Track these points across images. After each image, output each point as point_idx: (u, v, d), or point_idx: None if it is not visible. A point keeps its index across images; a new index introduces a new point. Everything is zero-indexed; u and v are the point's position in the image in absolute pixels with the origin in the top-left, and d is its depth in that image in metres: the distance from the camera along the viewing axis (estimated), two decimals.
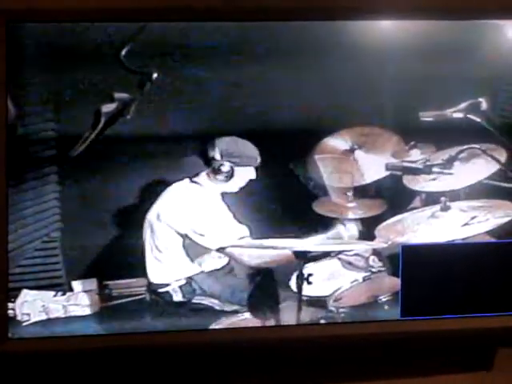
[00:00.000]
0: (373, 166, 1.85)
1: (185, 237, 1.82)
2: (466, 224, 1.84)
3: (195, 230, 1.81)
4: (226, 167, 1.81)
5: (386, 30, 1.78)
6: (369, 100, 1.80)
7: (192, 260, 1.82)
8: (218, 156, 1.80)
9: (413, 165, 1.85)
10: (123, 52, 1.70)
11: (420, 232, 1.85)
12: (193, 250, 1.82)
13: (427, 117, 1.81)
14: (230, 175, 1.82)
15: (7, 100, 1.67)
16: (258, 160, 1.80)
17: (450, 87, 1.82)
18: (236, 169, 1.81)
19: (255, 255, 1.83)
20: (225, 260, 1.84)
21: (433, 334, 1.85)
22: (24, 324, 1.77)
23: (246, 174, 1.82)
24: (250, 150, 1.80)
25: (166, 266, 1.82)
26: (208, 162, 1.80)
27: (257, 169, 1.81)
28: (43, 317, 1.78)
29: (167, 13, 1.69)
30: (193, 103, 1.75)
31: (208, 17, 1.70)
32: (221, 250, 1.82)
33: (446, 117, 1.82)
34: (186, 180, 1.81)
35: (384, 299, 1.86)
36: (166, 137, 1.77)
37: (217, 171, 1.81)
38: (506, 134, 1.85)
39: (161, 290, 1.82)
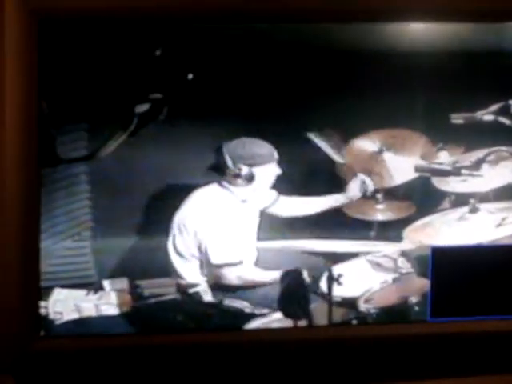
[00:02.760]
0: (402, 168, 1.75)
1: (202, 243, 1.72)
2: (499, 225, 1.73)
3: (216, 238, 1.72)
4: (243, 171, 1.70)
5: (416, 31, 1.67)
6: (398, 102, 1.69)
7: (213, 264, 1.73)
8: (229, 162, 1.69)
9: (441, 166, 1.74)
10: (157, 52, 1.60)
11: (448, 234, 1.75)
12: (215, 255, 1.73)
13: (457, 119, 1.70)
14: (249, 177, 1.70)
15: (39, 100, 1.57)
16: (275, 155, 1.69)
17: (481, 89, 1.71)
18: (255, 169, 1.70)
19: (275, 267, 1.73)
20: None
21: (462, 335, 1.75)
22: (56, 322, 1.68)
23: (269, 172, 1.70)
24: (261, 147, 1.69)
25: (194, 266, 1.73)
26: (221, 170, 1.70)
27: (279, 163, 1.69)
28: (75, 315, 1.69)
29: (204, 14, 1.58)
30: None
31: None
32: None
33: (476, 119, 1.71)
34: (215, 185, 1.71)
35: (414, 300, 1.75)
36: (193, 140, 1.66)
37: (236, 176, 1.70)
38: None
39: (190, 291, 1.72)
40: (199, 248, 1.71)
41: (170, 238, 1.70)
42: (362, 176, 1.74)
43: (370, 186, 1.74)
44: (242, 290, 1.73)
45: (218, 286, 1.72)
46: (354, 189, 1.74)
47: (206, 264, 1.72)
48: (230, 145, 1.68)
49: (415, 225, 1.74)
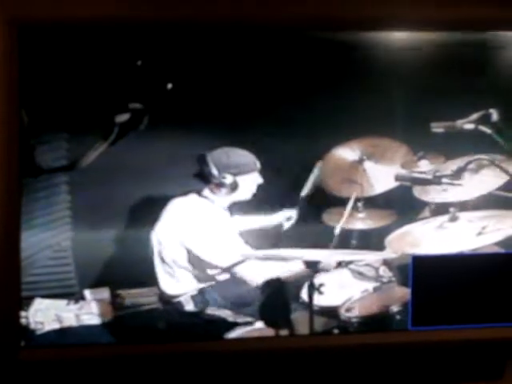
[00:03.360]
0: (382, 177, 1.74)
1: (190, 252, 1.69)
2: (480, 233, 1.71)
3: (201, 245, 1.69)
4: (228, 179, 1.68)
5: (397, 41, 1.65)
6: (378, 111, 1.67)
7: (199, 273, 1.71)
8: (215, 171, 1.67)
9: (422, 175, 1.73)
10: (138, 62, 1.58)
11: (429, 242, 1.73)
12: (198, 264, 1.70)
13: (438, 128, 1.69)
14: (234, 186, 1.69)
15: (20, 110, 1.55)
16: (258, 164, 1.67)
17: (462, 98, 1.69)
18: (238, 178, 1.68)
19: (257, 275, 1.71)
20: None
21: (442, 344, 1.72)
22: (37, 333, 1.66)
23: (251, 180, 1.68)
24: (245, 157, 1.67)
25: (176, 276, 1.71)
26: (206, 178, 1.68)
27: (261, 172, 1.68)
28: (56, 325, 1.67)
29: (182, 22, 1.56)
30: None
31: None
32: (227, 268, 1.70)
33: (456, 128, 1.69)
34: (195, 195, 1.69)
35: (395, 309, 1.73)
36: (174, 149, 1.64)
37: (220, 185, 1.68)
38: None
39: (172, 300, 1.70)
40: (178, 258, 1.69)
41: (154, 248, 1.68)
42: (288, 212, 1.73)
43: (293, 222, 1.73)
44: (224, 299, 1.71)
45: (200, 295, 1.71)
46: (276, 219, 1.73)
47: (187, 273, 1.70)
48: (215, 154, 1.66)
49: (396, 233, 1.72)
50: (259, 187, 1.68)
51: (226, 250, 1.70)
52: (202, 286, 1.71)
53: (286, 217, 1.72)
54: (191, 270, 1.70)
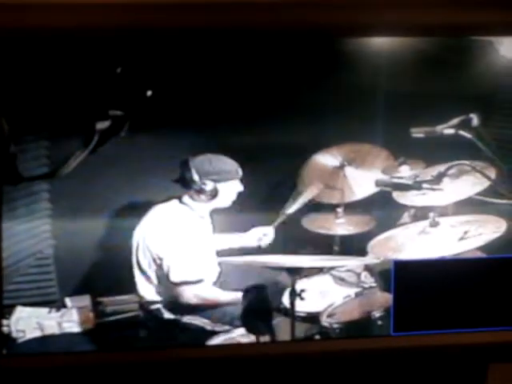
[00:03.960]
0: (363, 183, 1.72)
1: (162, 260, 1.67)
2: (461, 238, 1.70)
3: (176, 255, 1.67)
4: (208, 186, 1.66)
5: (377, 46, 1.63)
6: (359, 116, 1.66)
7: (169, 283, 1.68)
8: (196, 177, 1.65)
9: (402, 181, 1.71)
10: (118, 69, 1.57)
11: (411, 248, 1.71)
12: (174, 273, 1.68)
13: (418, 133, 1.67)
14: (214, 193, 1.67)
15: (0, 119, 1.53)
16: (240, 172, 1.65)
17: (442, 103, 1.68)
18: (219, 185, 1.67)
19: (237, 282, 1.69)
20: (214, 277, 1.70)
21: (425, 349, 1.70)
22: (19, 341, 1.63)
23: (232, 188, 1.66)
24: (227, 164, 1.65)
25: (153, 283, 1.68)
26: (188, 184, 1.66)
27: (241, 180, 1.66)
28: (38, 333, 1.64)
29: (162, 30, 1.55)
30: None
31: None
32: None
33: (436, 133, 1.68)
34: (175, 201, 1.67)
35: (377, 315, 1.71)
36: (155, 156, 1.62)
37: (200, 191, 1.66)
38: (496, 151, 1.71)
39: (152, 307, 1.68)
40: (159, 265, 1.67)
41: (133, 255, 1.66)
42: (264, 229, 1.71)
43: (269, 240, 1.71)
44: (202, 308, 1.69)
45: (176, 304, 1.68)
46: (251, 238, 1.71)
47: (164, 281, 1.68)
48: (197, 160, 1.64)
49: (377, 239, 1.71)
50: (239, 195, 1.67)
51: (200, 260, 1.68)
52: (177, 293, 1.68)
53: (263, 233, 1.70)
54: (164, 280, 1.68)
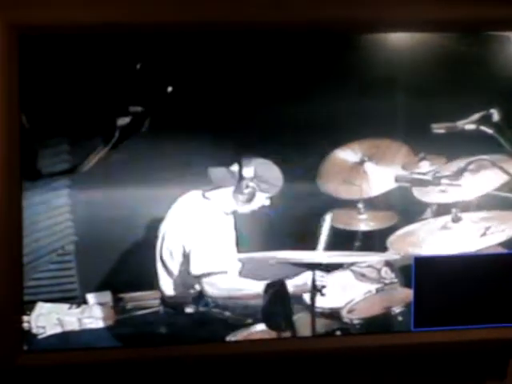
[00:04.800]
0: (382, 178, 1.68)
1: (187, 254, 1.65)
2: (483, 234, 1.67)
3: (198, 248, 1.64)
4: (251, 189, 1.63)
5: (399, 41, 1.61)
6: (380, 112, 1.63)
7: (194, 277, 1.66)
8: (250, 176, 1.63)
9: (421, 176, 1.68)
10: (138, 65, 1.54)
11: (432, 243, 1.68)
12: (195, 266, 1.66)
13: (439, 129, 1.64)
14: (251, 198, 1.64)
15: (21, 114, 1.51)
16: (279, 189, 1.63)
17: (463, 99, 1.65)
18: (258, 193, 1.64)
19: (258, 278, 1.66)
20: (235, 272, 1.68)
21: (445, 345, 1.68)
22: (39, 337, 1.61)
23: (261, 200, 1.64)
24: (276, 177, 1.63)
25: (177, 278, 1.66)
26: (241, 178, 1.63)
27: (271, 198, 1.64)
28: (58, 330, 1.62)
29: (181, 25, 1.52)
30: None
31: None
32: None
33: (457, 128, 1.65)
34: (199, 195, 1.64)
35: (397, 310, 1.68)
36: (181, 151, 1.59)
37: (239, 191, 1.64)
38: None
39: (173, 303, 1.65)
40: (183, 258, 1.65)
41: (157, 250, 1.63)
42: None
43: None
44: (225, 302, 1.66)
45: (198, 299, 1.65)
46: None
47: (186, 275, 1.65)
48: (259, 161, 1.62)
49: (398, 235, 1.67)
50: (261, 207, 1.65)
51: (223, 254, 1.65)
52: (200, 288, 1.66)
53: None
54: (190, 273, 1.66)
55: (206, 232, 1.65)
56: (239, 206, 1.65)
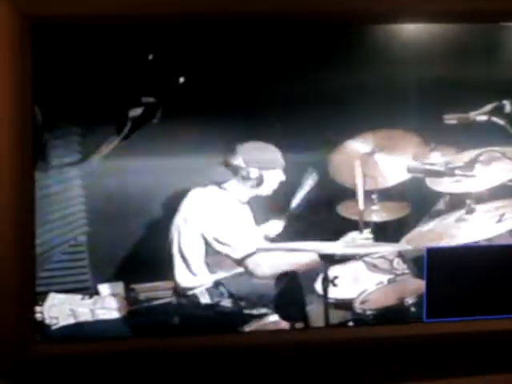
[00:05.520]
0: (395, 169, 1.66)
1: (208, 243, 1.63)
2: (498, 221, 1.64)
3: (218, 237, 1.62)
4: (254, 173, 1.61)
5: (410, 32, 1.58)
6: (391, 102, 1.60)
7: (209, 267, 1.64)
8: (242, 163, 1.60)
9: (434, 167, 1.65)
10: (150, 56, 1.51)
11: (447, 235, 1.66)
12: (213, 257, 1.63)
13: (451, 119, 1.61)
14: (260, 181, 1.62)
15: (34, 105, 1.48)
16: (282, 162, 1.60)
17: (475, 90, 1.62)
18: (264, 173, 1.61)
19: (271, 268, 1.63)
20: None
21: (458, 335, 1.65)
22: (53, 327, 1.59)
23: (275, 176, 1.61)
24: (272, 153, 1.60)
25: (193, 269, 1.63)
26: (234, 170, 1.61)
27: (284, 170, 1.61)
28: (71, 320, 1.60)
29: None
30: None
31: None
32: (241, 260, 1.63)
33: (469, 119, 1.62)
34: (215, 186, 1.62)
35: (410, 301, 1.66)
36: (193, 142, 1.57)
37: (246, 178, 1.61)
38: None
39: (187, 293, 1.63)
40: (196, 250, 1.63)
41: (168, 241, 1.61)
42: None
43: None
44: (239, 291, 1.64)
45: (215, 288, 1.63)
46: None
47: (215, 262, 1.64)
48: (244, 146, 1.59)
49: (416, 232, 1.65)
50: (281, 184, 1.62)
51: (241, 242, 1.63)
52: (217, 278, 1.63)
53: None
54: (207, 262, 1.64)
55: (226, 221, 1.63)
56: (254, 191, 1.63)
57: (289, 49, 1.56)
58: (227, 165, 1.60)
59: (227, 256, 1.63)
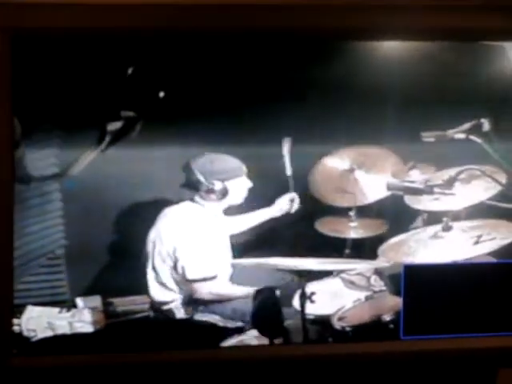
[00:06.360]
0: (374, 186, 1.63)
1: (178, 260, 1.59)
2: (475, 243, 1.61)
3: (190, 255, 1.59)
4: (217, 185, 1.58)
5: (389, 49, 1.55)
6: (369, 120, 1.57)
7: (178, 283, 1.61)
8: (201, 178, 1.57)
9: (414, 185, 1.62)
10: (129, 70, 1.48)
11: (422, 252, 1.62)
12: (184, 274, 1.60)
13: (429, 137, 1.58)
14: (224, 192, 1.58)
15: (13, 119, 1.45)
16: (244, 168, 1.57)
17: (453, 108, 1.59)
18: (228, 183, 1.58)
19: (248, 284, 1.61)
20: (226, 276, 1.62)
21: (435, 353, 1.61)
22: (30, 340, 1.55)
23: (240, 185, 1.58)
24: (229, 162, 1.57)
25: (166, 284, 1.60)
26: (195, 186, 1.58)
27: (249, 176, 1.57)
28: (49, 333, 1.56)
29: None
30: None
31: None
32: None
33: (447, 137, 1.59)
34: (188, 202, 1.59)
35: (387, 318, 1.62)
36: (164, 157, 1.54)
37: (210, 192, 1.58)
38: (506, 156, 1.61)
39: (163, 308, 1.59)
40: (175, 264, 1.59)
41: (148, 255, 1.58)
42: (292, 194, 1.61)
43: (296, 205, 1.61)
44: (215, 306, 1.60)
45: (190, 302, 1.60)
46: (281, 204, 1.61)
47: (180, 279, 1.60)
48: (198, 161, 1.56)
49: (388, 243, 1.62)
50: (250, 191, 1.58)
51: (215, 259, 1.60)
52: (190, 293, 1.60)
53: (290, 198, 1.61)
54: (179, 279, 1.60)
55: (197, 237, 1.60)
56: (221, 203, 1.59)
57: (264, 63, 1.52)
58: (188, 184, 1.57)
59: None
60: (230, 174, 1.57)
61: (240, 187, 1.58)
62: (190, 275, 1.59)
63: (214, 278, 1.60)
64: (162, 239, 1.58)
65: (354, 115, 1.56)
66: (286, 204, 1.60)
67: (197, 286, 1.59)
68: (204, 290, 1.60)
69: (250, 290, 1.59)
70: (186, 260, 1.59)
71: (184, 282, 1.59)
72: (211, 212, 1.60)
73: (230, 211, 1.61)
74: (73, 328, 1.57)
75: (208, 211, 1.60)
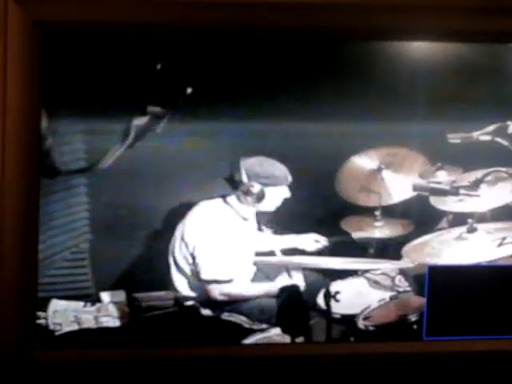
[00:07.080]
0: (400, 186, 1.60)
1: (195, 257, 1.57)
2: (500, 245, 1.57)
3: (210, 253, 1.56)
4: (255, 189, 1.55)
5: (416, 51, 1.52)
6: (397, 121, 1.54)
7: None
8: (244, 178, 1.54)
9: (440, 186, 1.59)
10: (158, 66, 1.46)
11: (446, 253, 1.59)
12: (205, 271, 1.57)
13: (454, 139, 1.55)
14: (260, 196, 1.55)
15: (41, 112, 1.43)
16: (289, 179, 1.54)
17: (479, 110, 1.56)
18: (267, 189, 1.55)
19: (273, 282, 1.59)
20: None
21: (457, 354, 1.58)
22: (55, 334, 1.53)
23: (279, 193, 1.55)
24: (278, 169, 1.54)
25: (191, 280, 1.58)
26: (236, 184, 1.55)
27: (290, 187, 1.55)
28: (75, 327, 1.54)
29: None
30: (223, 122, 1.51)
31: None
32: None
33: (473, 139, 1.56)
34: (219, 200, 1.57)
35: (412, 319, 1.59)
36: (199, 154, 1.52)
37: (247, 193, 1.55)
38: None
39: (187, 304, 1.56)
40: (193, 261, 1.56)
41: (172, 251, 1.56)
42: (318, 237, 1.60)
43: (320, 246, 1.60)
44: (240, 304, 1.57)
45: (210, 301, 1.57)
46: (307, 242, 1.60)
47: (195, 278, 1.57)
48: (249, 161, 1.54)
49: (413, 243, 1.59)
50: (284, 201, 1.56)
51: (233, 262, 1.58)
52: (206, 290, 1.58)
53: (314, 239, 1.59)
54: (193, 277, 1.58)
55: (221, 237, 1.57)
56: (253, 206, 1.57)
57: (294, 64, 1.50)
58: (230, 179, 1.55)
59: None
60: (273, 180, 1.55)
61: (277, 196, 1.55)
62: (204, 275, 1.57)
63: (229, 281, 1.57)
64: (186, 236, 1.55)
65: (382, 116, 1.53)
66: (309, 243, 1.59)
67: (210, 286, 1.57)
68: (216, 291, 1.57)
69: (268, 293, 1.57)
70: (203, 259, 1.56)
71: (197, 281, 1.57)
72: (241, 214, 1.58)
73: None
74: (98, 322, 1.54)
75: (237, 213, 1.58)
